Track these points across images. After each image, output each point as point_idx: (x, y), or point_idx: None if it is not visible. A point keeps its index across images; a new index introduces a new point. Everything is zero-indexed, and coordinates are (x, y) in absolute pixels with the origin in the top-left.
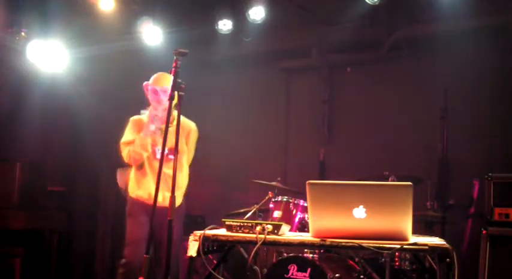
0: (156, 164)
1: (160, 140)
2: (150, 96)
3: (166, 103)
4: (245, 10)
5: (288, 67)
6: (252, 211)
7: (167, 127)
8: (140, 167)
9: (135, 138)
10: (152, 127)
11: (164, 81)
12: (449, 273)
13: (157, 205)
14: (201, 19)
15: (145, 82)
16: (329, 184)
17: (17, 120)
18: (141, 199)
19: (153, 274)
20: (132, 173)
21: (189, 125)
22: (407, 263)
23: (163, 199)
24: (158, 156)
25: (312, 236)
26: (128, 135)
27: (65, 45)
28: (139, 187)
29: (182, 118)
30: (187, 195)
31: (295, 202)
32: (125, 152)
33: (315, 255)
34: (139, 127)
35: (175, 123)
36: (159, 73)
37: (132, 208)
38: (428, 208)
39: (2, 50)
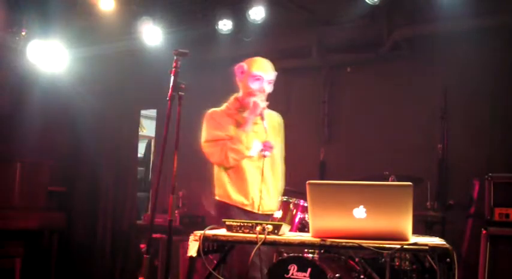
0: (256, 164)
1: (255, 136)
2: (249, 83)
3: (266, 94)
4: (245, 10)
5: (287, 67)
6: None
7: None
8: (235, 167)
9: (231, 135)
10: (254, 153)
11: (271, 69)
12: (449, 273)
13: (253, 211)
14: (201, 19)
15: (239, 65)
16: (329, 184)
17: (17, 120)
18: (240, 205)
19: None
20: (223, 175)
21: (278, 117)
22: (407, 263)
23: (260, 205)
24: (253, 154)
25: (312, 236)
26: (213, 131)
27: (65, 45)
28: (238, 191)
29: (268, 110)
30: (187, 195)
31: (295, 202)
32: (212, 152)
33: (315, 255)
34: (225, 120)
35: (264, 117)
36: (260, 58)
37: (229, 216)
38: (428, 208)
39: (2, 50)
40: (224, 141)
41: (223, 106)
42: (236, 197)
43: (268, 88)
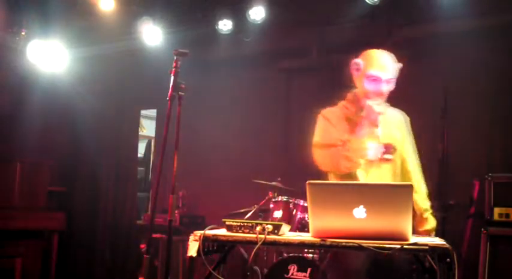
0: (374, 172)
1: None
2: (365, 84)
3: (385, 96)
4: (245, 10)
5: (288, 67)
6: (252, 211)
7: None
8: (350, 176)
9: (344, 139)
10: (374, 157)
11: (390, 66)
12: (449, 273)
13: None
14: (201, 19)
15: (354, 61)
16: (329, 184)
17: (17, 120)
18: None
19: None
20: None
21: (402, 115)
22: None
23: None
24: (372, 157)
25: (312, 236)
26: (325, 134)
27: (65, 45)
28: None
29: (391, 108)
30: (187, 195)
31: (295, 202)
32: (323, 159)
33: (315, 255)
34: (339, 122)
35: (383, 116)
36: (379, 53)
37: None
38: None
39: (2, 50)
40: (337, 148)
41: (339, 105)
42: None
43: (387, 88)
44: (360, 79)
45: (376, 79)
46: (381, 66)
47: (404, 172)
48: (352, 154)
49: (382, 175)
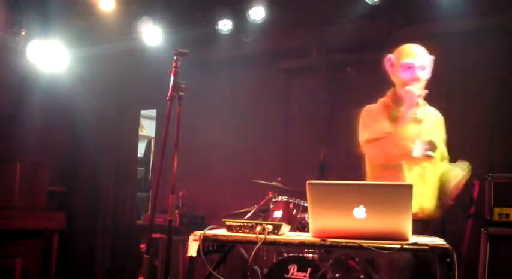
0: (418, 169)
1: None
2: (401, 74)
3: (423, 82)
4: (245, 10)
5: (288, 67)
6: (252, 211)
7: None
8: (395, 169)
9: (389, 131)
10: (412, 112)
11: (422, 54)
12: (449, 273)
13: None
14: (201, 19)
15: (387, 58)
16: (329, 184)
17: (17, 120)
18: None
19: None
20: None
21: (437, 113)
22: None
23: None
24: (416, 154)
25: (312, 236)
26: (373, 129)
27: (65, 45)
28: None
29: (428, 106)
30: (187, 195)
31: (295, 202)
32: (376, 152)
33: (315, 255)
34: (381, 116)
35: (422, 112)
36: (409, 45)
37: None
38: None
39: (2, 50)
40: (386, 139)
41: (379, 102)
42: None
43: (424, 75)
44: (395, 72)
45: (410, 67)
46: (412, 54)
47: (443, 170)
48: (401, 142)
49: (424, 172)
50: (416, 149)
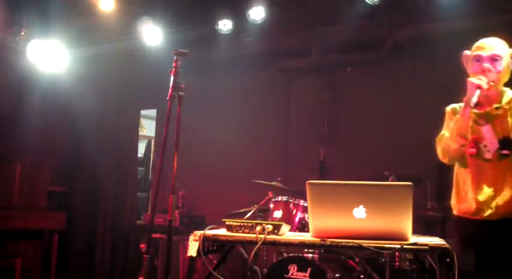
0: (485, 167)
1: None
2: (472, 68)
3: (495, 74)
4: (245, 10)
5: (288, 67)
6: (252, 211)
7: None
8: (462, 166)
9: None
10: (475, 99)
11: (491, 45)
12: (449, 273)
13: (483, 218)
14: (201, 19)
15: (463, 54)
16: (329, 184)
17: (17, 120)
18: (464, 215)
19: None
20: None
21: None
22: (407, 263)
23: (492, 210)
24: (487, 155)
25: (312, 236)
26: (445, 128)
27: (65, 45)
28: (460, 199)
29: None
30: (187, 195)
31: (295, 202)
32: (439, 149)
33: (315, 255)
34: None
35: (505, 103)
36: (484, 39)
37: (456, 232)
38: (429, 208)
39: (2, 50)
40: (443, 135)
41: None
42: (460, 205)
43: (495, 66)
44: (469, 67)
45: (478, 59)
46: (480, 46)
47: None
48: (449, 140)
49: (500, 172)
50: (488, 149)
